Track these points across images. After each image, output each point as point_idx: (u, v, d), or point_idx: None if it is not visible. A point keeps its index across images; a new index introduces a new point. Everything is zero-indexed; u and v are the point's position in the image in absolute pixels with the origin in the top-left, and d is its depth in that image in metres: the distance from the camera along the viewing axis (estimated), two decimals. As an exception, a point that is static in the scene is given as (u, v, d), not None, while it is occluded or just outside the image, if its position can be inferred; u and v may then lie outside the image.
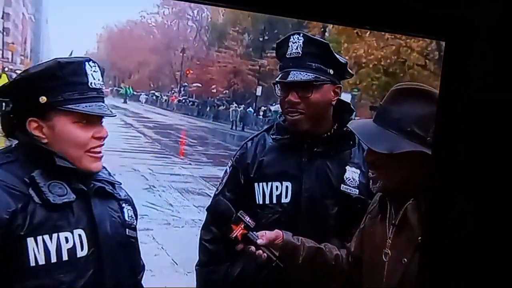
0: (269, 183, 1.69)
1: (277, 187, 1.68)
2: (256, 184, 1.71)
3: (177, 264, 4.15)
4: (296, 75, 1.65)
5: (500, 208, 0.68)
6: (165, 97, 46.95)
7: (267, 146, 1.76)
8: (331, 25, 17.37)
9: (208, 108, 36.17)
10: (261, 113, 29.64)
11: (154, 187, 8.83)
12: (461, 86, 0.67)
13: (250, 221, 1.44)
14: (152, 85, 60.20)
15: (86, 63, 1.33)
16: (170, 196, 8.35)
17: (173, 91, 50.42)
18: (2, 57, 46.09)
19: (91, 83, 1.33)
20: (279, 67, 1.71)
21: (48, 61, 1.34)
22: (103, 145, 1.36)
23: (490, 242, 0.69)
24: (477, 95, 0.66)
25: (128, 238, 1.41)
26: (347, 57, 18.90)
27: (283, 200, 1.68)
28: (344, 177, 1.68)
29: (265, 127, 1.89)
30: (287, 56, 1.67)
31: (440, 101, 0.73)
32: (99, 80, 1.35)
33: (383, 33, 17.06)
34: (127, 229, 1.41)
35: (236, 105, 31.33)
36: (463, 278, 0.69)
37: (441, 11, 0.65)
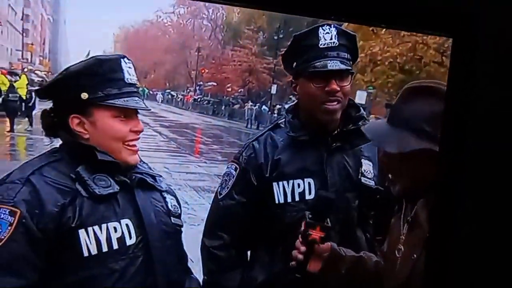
0: (290, 181, 1.67)
1: (299, 184, 1.67)
2: (275, 184, 1.68)
3: (193, 261, 4.18)
4: (337, 64, 1.64)
5: (508, 205, 0.67)
6: (180, 96, 47.18)
7: (279, 144, 1.73)
8: (346, 23, 17.23)
9: (223, 107, 36.23)
10: (276, 111, 29.59)
11: (170, 185, 8.88)
12: (468, 84, 0.66)
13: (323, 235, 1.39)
14: (167, 85, 60.55)
15: (122, 59, 1.39)
16: (185, 194, 8.38)
17: (188, 90, 50.63)
18: (22, 57, 46.78)
19: (127, 78, 1.38)
20: (309, 57, 1.66)
21: (87, 59, 1.41)
22: (138, 138, 1.42)
23: (497, 239, 0.68)
24: (484, 92, 0.65)
25: (174, 226, 1.47)
26: (362, 55, 18.68)
27: (307, 196, 1.66)
28: (362, 170, 1.71)
29: (268, 126, 1.87)
30: (320, 46, 1.65)
31: (448, 99, 0.72)
32: (133, 76, 1.41)
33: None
34: (172, 218, 1.46)
35: (251, 103, 31.35)
36: (469, 275, 0.69)
37: (447, 7, 0.64)
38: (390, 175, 1.29)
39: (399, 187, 1.26)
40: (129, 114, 1.40)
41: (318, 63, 1.64)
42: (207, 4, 51.85)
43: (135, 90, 1.41)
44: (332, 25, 1.68)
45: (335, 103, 1.65)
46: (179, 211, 1.52)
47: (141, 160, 1.50)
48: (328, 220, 1.39)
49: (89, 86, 1.34)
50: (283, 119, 1.81)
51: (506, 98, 0.66)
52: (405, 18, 0.69)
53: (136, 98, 1.40)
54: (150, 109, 1.51)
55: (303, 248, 1.38)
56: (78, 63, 1.42)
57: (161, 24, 63.35)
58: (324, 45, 1.65)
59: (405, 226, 1.29)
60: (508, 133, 0.67)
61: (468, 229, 0.68)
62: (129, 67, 1.40)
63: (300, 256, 1.39)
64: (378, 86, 19.82)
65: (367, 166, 1.72)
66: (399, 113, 1.25)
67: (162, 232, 1.41)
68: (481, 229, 0.68)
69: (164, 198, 1.48)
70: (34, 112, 16.67)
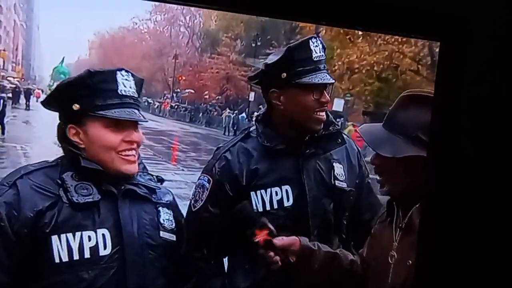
0: (268, 190, 1.70)
1: (276, 192, 1.70)
2: (252, 193, 1.70)
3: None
4: (327, 77, 1.74)
5: (496, 210, 0.68)
6: (157, 103, 46.84)
7: (254, 154, 1.74)
8: (324, 31, 17.45)
9: (201, 114, 36.13)
10: (254, 118, 29.58)
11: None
12: (456, 87, 0.66)
13: (273, 228, 1.48)
14: (144, 91, 59.99)
15: (118, 72, 1.42)
16: (163, 202, 8.30)
17: (165, 97, 50.29)
18: (-7, 64, 45.75)
19: (121, 90, 1.40)
20: (303, 70, 1.70)
21: (81, 72, 1.44)
22: (134, 149, 1.43)
23: (486, 243, 0.69)
24: (472, 96, 0.66)
25: (160, 239, 1.46)
26: (340, 63, 19.01)
27: (286, 204, 1.69)
28: (335, 173, 1.76)
29: (238, 136, 1.86)
30: (313, 59, 1.72)
31: (435, 103, 0.74)
32: (130, 87, 1.43)
33: (375, 38, 17.16)
34: (160, 231, 1.46)
35: (229, 110, 31.32)
36: (460, 279, 0.69)
37: (436, 11, 0.65)
38: (380, 178, 1.33)
39: (387, 188, 1.30)
40: (124, 125, 1.40)
41: (314, 76, 1.70)
42: (184, 11, 51.83)
43: (131, 101, 1.42)
44: (318, 38, 1.77)
45: (324, 112, 1.73)
46: (173, 226, 1.51)
47: (145, 171, 1.51)
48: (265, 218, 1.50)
49: (80, 97, 1.38)
50: (254, 128, 1.81)
51: (494, 101, 0.66)
52: (394, 22, 0.69)
53: (130, 110, 1.40)
54: (146, 120, 1.51)
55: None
56: (73, 76, 1.46)
57: (137, 31, 62.88)
58: (316, 58, 1.72)
59: (398, 232, 1.31)
60: (497, 134, 0.67)
61: (458, 234, 0.68)
62: (126, 79, 1.42)
63: (271, 255, 1.44)
64: (356, 94, 20.14)
65: (338, 169, 1.78)
66: (395, 119, 1.29)
67: (145, 244, 1.40)
68: (470, 234, 0.68)
69: (158, 211, 1.48)
70: (5, 120, 16.30)
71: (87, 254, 1.30)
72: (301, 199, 1.69)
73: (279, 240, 1.45)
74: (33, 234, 1.26)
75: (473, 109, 0.66)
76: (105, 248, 1.33)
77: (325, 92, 1.73)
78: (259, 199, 1.70)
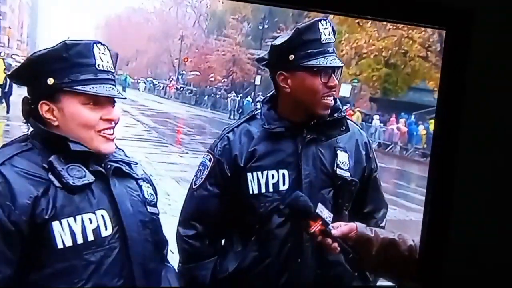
0: (264, 172, 1.71)
1: (273, 175, 1.70)
2: (249, 174, 1.72)
3: (173, 253, 4.12)
4: (337, 60, 1.71)
5: (502, 196, 0.73)
6: (162, 85, 46.78)
7: (255, 136, 1.76)
8: (332, 15, 17.25)
9: (206, 97, 36.10)
10: (261, 100, 29.50)
11: (151, 175, 8.74)
12: (461, 75, 0.69)
13: (328, 217, 1.48)
14: (149, 73, 59.98)
15: (95, 45, 1.35)
16: (167, 185, 8.34)
17: (171, 79, 50.21)
18: (-1, 41, 45.72)
19: (98, 64, 1.34)
20: (312, 52, 1.69)
21: (56, 44, 1.36)
22: (114, 127, 1.37)
23: (492, 232, 0.76)
24: (477, 84, 0.70)
25: (150, 215, 1.47)
26: (348, 47, 18.90)
27: (281, 187, 1.70)
28: (338, 161, 1.75)
29: (244, 117, 1.88)
30: (322, 42, 1.69)
31: (440, 90, 0.75)
32: (108, 62, 1.35)
33: (384, 23, 16.96)
34: (148, 207, 1.45)
35: (234, 94, 31.24)
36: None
37: (442, 0, 0.68)
38: None
39: None
40: (100, 101, 1.34)
41: (323, 59, 1.67)
42: (191, -9, 51.32)
43: (109, 77, 1.35)
44: (327, 20, 1.72)
45: (332, 97, 1.70)
46: (155, 200, 1.50)
47: (116, 147, 1.45)
48: (320, 206, 1.51)
49: (56, 71, 1.30)
50: (259, 110, 1.81)
51: (499, 90, 0.71)
52: (400, 11, 0.70)
53: (108, 86, 1.33)
54: (124, 98, 1.44)
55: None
56: (47, 48, 1.35)
57: (144, 11, 62.53)
58: (325, 40, 1.69)
59: None
60: (501, 124, 0.71)
61: (464, 226, 0.76)
62: (103, 53, 1.35)
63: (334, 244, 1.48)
64: (363, 80, 20.02)
65: (343, 157, 1.75)
66: None
67: (139, 221, 1.39)
68: (476, 226, 0.76)
69: (140, 186, 1.46)
70: (11, 98, 16.31)
71: (90, 237, 1.29)
72: (297, 184, 1.68)
73: (337, 229, 1.48)
74: (32, 222, 1.24)
75: (478, 96, 0.69)
76: (106, 229, 1.32)
77: (333, 76, 1.70)
78: (255, 181, 1.71)
